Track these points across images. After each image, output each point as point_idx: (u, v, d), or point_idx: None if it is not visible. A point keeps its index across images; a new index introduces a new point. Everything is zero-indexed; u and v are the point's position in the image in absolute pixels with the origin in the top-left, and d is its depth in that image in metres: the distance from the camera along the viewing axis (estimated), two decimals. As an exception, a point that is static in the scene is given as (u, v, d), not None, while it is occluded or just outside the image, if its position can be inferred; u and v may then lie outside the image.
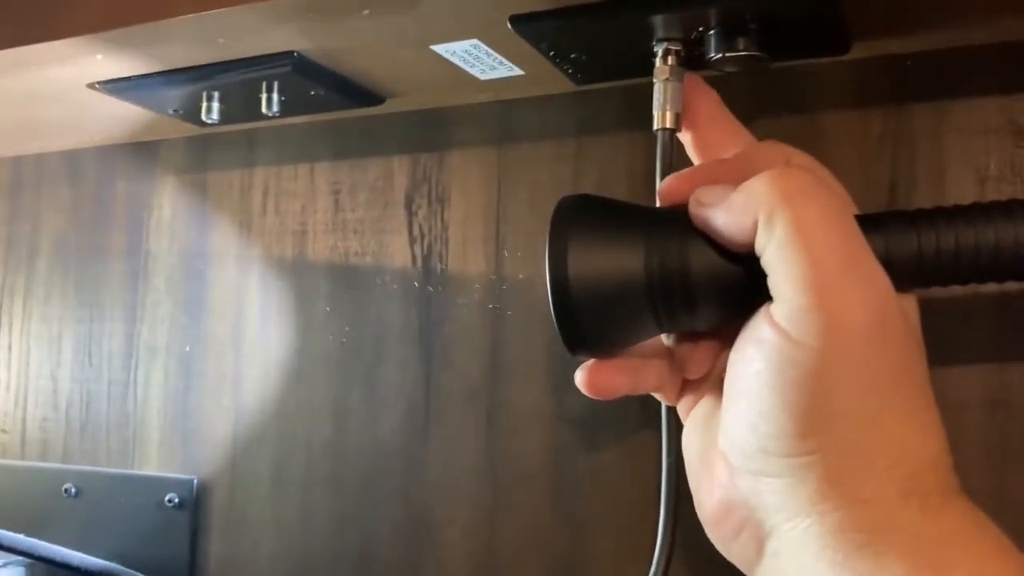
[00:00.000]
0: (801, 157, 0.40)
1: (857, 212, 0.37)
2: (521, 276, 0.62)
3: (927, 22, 0.48)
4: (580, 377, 0.40)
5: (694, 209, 0.37)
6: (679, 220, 0.38)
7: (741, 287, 0.36)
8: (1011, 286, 0.48)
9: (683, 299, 0.37)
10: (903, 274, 0.35)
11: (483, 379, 0.63)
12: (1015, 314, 0.48)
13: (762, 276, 0.34)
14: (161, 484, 0.73)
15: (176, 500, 0.72)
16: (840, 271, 0.33)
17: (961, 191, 0.50)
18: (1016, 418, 0.48)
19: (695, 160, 0.44)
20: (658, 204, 0.41)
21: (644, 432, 0.57)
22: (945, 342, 0.49)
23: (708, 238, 0.37)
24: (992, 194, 0.50)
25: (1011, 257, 0.35)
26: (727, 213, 0.35)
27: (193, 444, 0.74)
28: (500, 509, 0.62)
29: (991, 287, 0.48)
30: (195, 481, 0.72)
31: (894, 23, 0.48)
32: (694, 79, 0.45)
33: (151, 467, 0.75)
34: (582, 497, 0.59)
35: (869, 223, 0.36)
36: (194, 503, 0.72)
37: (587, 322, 0.38)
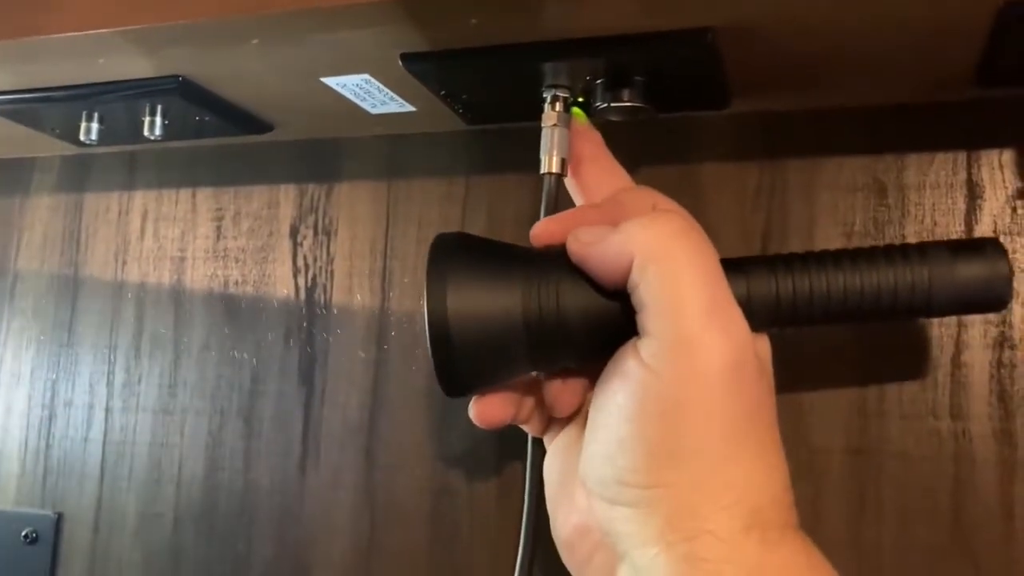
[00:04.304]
0: (667, 202, 0.42)
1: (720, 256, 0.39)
2: (406, 312, 0.62)
3: (801, 84, 0.50)
4: (474, 410, 0.42)
5: (572, 246, 0.38)
6: (554, 259, 0.39)
7: (612, 323, 0.38)
8: (871, 341, 0.51)
9: (558, 336, 0.38)
10: (761, 315, 0.38)
11: (364, 415, 0.62)
12: (874, 367, 0.51)
13: (632, 313, 0.36)
14: (17, 519, 0.69)
15: (34, 536, 0.69)
16: (704, 314, 0.35)
17: (829, 244, 0.53)
18: (873, 464, 0.51)
19: (576, 199, 0.46)
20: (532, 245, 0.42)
21: (522, 471, 0.57)
22: (811, 391, 0.51)
23: (583, 276, 0.38)
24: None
25: (856, 301, 0.39)
26: (605, 250, 0.37)
27: (56, 477, 0.70)
28: (377, 548, 0.61)
29: (852, 345, 0.51)
30: (55, 516, 0.69)
31: (771, 84, 0.50)
32: (580, 121, 0.47)
33: (7, 502, 0.71)
34: (460, 536, 0.59)
35: (732, 267, 0.38)
36: (53, 539, 0.68)
37: (464, 364, 0.38)
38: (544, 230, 0.41)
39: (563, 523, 0.40)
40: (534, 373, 0.43)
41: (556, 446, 0.43)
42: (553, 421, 0.44)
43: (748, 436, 0.35)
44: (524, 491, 0.46)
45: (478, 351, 0.38)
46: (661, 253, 0.35)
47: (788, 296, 0.38)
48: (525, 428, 0.45)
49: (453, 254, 0.39)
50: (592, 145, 0.46)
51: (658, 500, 0.34)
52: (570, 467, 0.40)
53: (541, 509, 0.43)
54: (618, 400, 0.36)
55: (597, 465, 0.37)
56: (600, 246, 0.37)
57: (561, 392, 0.42)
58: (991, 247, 0.39)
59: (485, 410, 0.42)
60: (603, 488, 0.36)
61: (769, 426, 0.36)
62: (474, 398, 0.42)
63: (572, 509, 0.39)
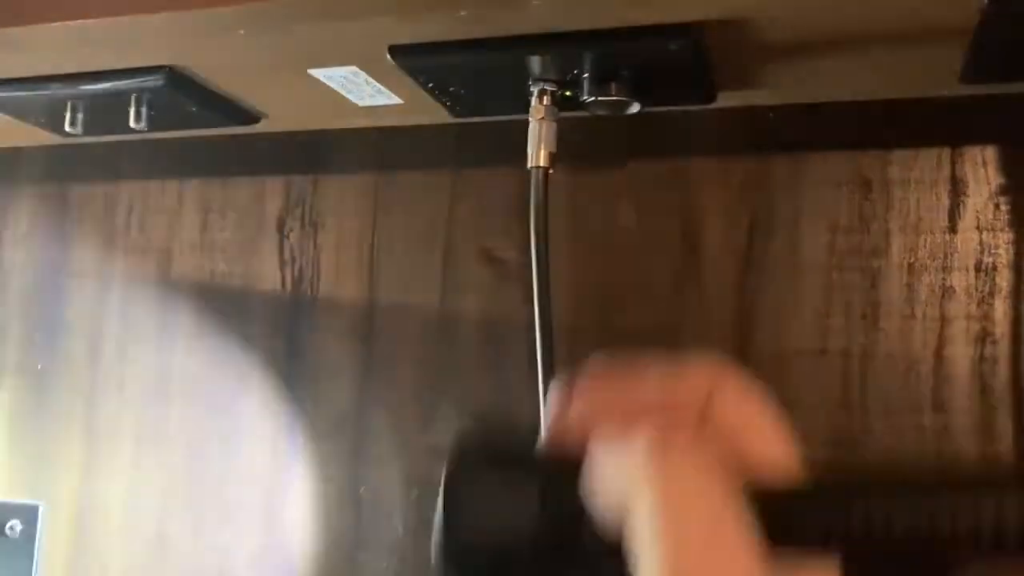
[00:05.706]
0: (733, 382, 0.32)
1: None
2: (393, 305, 0.62)
3: (787, 80, 0.50)
4: None
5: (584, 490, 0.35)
6: (572, 483, 0.37)
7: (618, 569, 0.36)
8: (855, 334, 0.51)
9: (565, 566, 0.37)
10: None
11: (350, 408, 0.62)
12: (858, 360, 0.51)
13: None
14: (1, 511, 0.69)
15: (19, 527, 0.68)
16: (701, 559, 0.31)
17: (815, 239, 0.53)
18: (856, 456, 0.51)
19: None
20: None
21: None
22: (795, 384, 0.52)
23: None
24: (842, 243, 0.52)
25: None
26: (604, 496, 0.33)
27: (41, 468, 0.70)
28: (363, 541, 0.61)
29: (836, 338, 0.51)
30: (40, 507, 0.69)
31: (757, 79, 0.50)
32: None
33: (-8, 492, 0.71)
34: (446, 528, 0.59)
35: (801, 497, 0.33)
36: (38, 531, 0.68)
37: None
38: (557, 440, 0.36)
39: None
40: None
41: None
42: None
43: None
44: None
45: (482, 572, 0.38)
46: (648, 493, 0.28)
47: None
48: None
49: (471, 473, 0.39)
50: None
51: None
52: None
53: None
54: None
55: None
56: (600, 493, 0.33)
57: None
58: None
59: None
60: None
61: None
62: None
63: None
